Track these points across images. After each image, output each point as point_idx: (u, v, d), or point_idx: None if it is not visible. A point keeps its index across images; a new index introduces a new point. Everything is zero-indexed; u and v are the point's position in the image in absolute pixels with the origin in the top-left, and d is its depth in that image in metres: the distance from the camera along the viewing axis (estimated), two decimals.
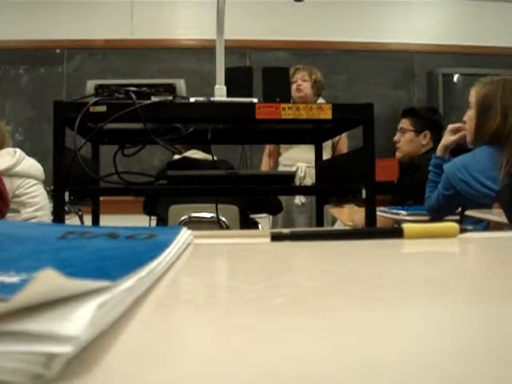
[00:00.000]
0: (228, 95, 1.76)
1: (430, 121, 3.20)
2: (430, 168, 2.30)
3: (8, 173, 2.54)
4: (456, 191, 2.04)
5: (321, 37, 4.73)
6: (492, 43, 4.81)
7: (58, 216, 1.58)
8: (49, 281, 0.21)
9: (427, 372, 0.20)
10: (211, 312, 0.32)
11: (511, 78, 2.10)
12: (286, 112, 1.62)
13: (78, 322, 0.21)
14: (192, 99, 1.66)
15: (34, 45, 4.56)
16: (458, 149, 2.27)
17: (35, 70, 4.62)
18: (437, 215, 2.13)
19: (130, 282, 0.29)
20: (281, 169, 3.70)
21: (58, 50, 4.62)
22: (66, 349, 0.20)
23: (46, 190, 2.74)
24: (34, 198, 2.64)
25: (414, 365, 0.21)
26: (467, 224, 1.83)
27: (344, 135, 2.25)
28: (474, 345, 0.24)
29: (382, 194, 3.07)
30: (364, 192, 1.63)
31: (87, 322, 0.21)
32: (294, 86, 3.68)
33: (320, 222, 2.24)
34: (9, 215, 2.30)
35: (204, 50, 4.40)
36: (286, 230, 0.66)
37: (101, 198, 2.14)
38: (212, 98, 1.71)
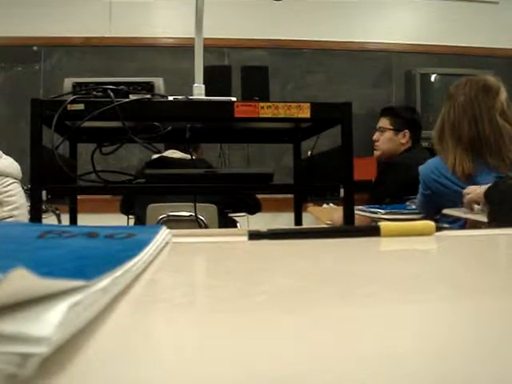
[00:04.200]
0: (207, 94, 1.76)
1: (409, 120, 3.22)
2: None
3: None
4: (432, 191, 2.07)
5: (299, 36, 4.74)
6: (468, 43, 4.85)
7: (35, 215, 1.57)
8: (20, 280, 0.21)
9: (405, 370, 0.20)
10: (189, 310, 0.32)
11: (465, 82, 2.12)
12: (265, 110, 1.62)
13: (49, 322, 0.21)
14: (170, 98, 1.66)
15: (11, 42, 4.50)
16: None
17: (12, 67, 4.56)
18: (422, 213, 2.15)
19: (105, 282, 0.29)
20: None
21: (35, 48, 4.56)
22: (40, 349, 0.19)
23: (23, 188, 2.71)
24: (12, 197, 2.61)
25: (392, 363, 0.21)
26: (444, 223, 1.85)
27: None
28: (451, 342, 0.24)
29: (360, 193, 3.09)
30: (342, 191, 1.64)
31: (58, 322, 0.21)
32: None
33: (298, 221, 2.25)
34: None
35: (183, 49, 4.38)
36: (263, 229, 0.66)
37: (78, 197, 2.12)
38: (190, 97, 1.71)
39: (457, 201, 1.90)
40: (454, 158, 2.02)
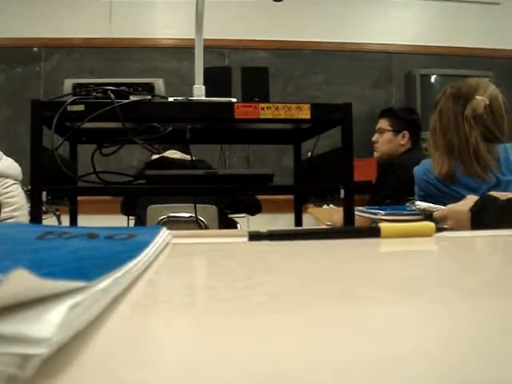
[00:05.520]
0: (207, 95, 1.75)
1: (408, 121, 3.22)
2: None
3: None
4: (425, 193, 2.08)
5: (299, 37, 4.74)
6: (469, 44, 4.85)
7: (35, 216, 1.57)
8: (21, 281, 0.21)
9: (404, 371, 0.20)
10: (189, 311, 0.32)
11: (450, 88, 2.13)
12: (265, 112, 1.62)
13: (49, 323, 0.21)
14: (171, 99, 1.66)
15: (11, 43, 4.50)
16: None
17: (12, 68, 4.56)
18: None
19: (105, 283, 0.29)
20: None
21: (35, 49, 4.56)
22: (40, 350, 0.19)
23: (24, 189, 2.71)
24: (12, 198, 2.60)
25: (391, 364, 0.21)
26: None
27: None
28: (451, 343, 0.24)
29: (360, 194, 3.09)
30: (342, 192, 1.64)
31: (59, 323, 0.21)
32: None
33: (299, 222, 2.25)
34: None
35: (183, 50, 4.39)
36: (263, 230, 0.66)
37: (79, 198, 2.12)
38: (191, 98, 1.71)
39: (446, 203, 1.91)
40: (434, 159, 2.04)
